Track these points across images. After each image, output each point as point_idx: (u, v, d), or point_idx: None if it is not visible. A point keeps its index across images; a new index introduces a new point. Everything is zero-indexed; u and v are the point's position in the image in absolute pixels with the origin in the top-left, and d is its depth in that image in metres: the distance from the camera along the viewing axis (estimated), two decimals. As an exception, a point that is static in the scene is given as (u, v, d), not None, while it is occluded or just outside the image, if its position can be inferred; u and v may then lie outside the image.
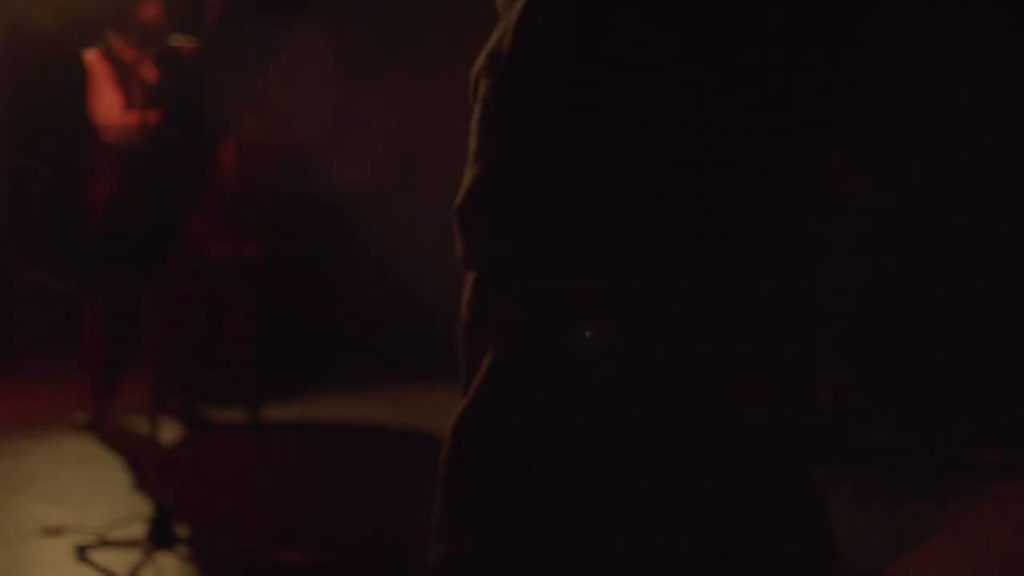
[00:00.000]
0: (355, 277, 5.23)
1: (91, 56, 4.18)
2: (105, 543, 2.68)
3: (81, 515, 3.00)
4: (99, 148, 4.23)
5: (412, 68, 5.35)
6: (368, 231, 5.50)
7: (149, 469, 3.19)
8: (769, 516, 1.23)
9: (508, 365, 1.07)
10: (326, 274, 4.43)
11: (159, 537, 2.55)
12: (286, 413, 4.32)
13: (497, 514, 1.13)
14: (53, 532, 2.83)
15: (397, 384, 5.03)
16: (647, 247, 1.03)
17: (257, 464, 3.72)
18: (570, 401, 1.05)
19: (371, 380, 5.05)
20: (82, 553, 2.65)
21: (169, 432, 3.96)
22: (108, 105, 4.09)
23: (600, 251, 1.04)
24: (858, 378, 3.90)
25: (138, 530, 2.71)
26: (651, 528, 1.05)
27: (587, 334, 1.04)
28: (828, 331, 3.48)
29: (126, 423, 4.31)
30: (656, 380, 1.03)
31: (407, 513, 2.96)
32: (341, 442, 4.14)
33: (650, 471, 1.05)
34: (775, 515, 1.23)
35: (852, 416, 3.61)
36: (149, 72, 4.24)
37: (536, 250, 1.07)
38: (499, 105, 1.11)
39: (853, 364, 3.96)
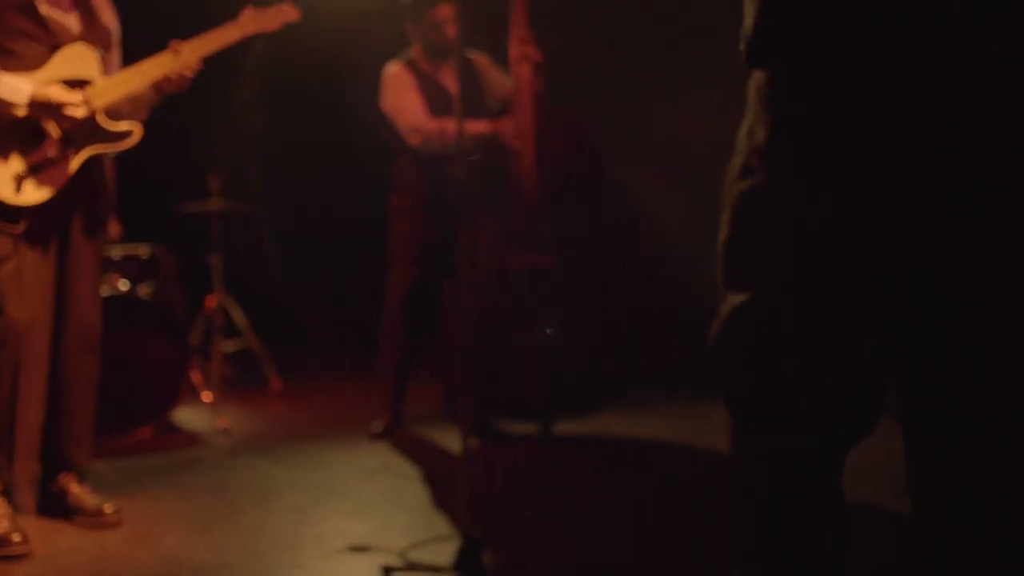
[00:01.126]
0: (651, 291, 5.02)
1: (394, 68, 4.20)
2: (412, 566, 2.57)
3: (383, 531, 2.94)
4: (399, 158, 4.25)
5: (706, 72, 5.06)
6: (663, 243, 5.29)
7: (448, 485, 3.08)
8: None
9: None
10: (623, 288, 4.21)
11: (468, 566, 2.41)
12: (577, 427, 4.16)
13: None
14: (359, 549, 2.76)
15: (690, 399, 4.77)
16: None
17: (553, 481, 3.64)
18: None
19: (664, 395, 4.81)
20: (389, 574, 2.56)
21: (462, 442, 3.92)
22: (415, 112, 4.11)
23: None
24: None
25: (443, 553, 2.61)
26: None
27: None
28: None
29: (421, 432, 4.30)
30: None
31: (704, 535, 2.74)
32: (631, 459, 3.98)
33: None
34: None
35: None
36: (450, 82, 4.23)
37: None
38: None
39: None
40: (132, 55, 3.18)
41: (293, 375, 5.56)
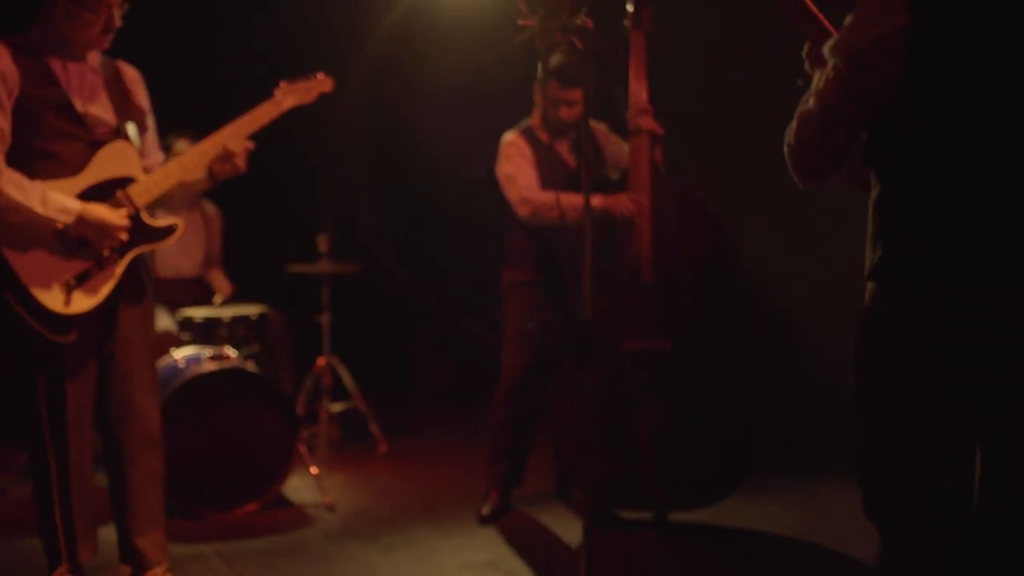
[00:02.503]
0: (772, 373, 4.77)
1: (511, 136, 4.05)
2: None
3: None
4: (512, 231, 4.09)
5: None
6: (785, 319, 5.05)
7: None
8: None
9: None
10: (742, 371, 3.96)
11: None
12: (692, 515, 3.93)
13: None
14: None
15: (810, 487, 4.50)
16: None
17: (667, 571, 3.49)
18: None
19: (783, 481, 4.53)
20: None
21: (574, 529, 3.75)
22: (526, 183, 3.97)
23: None
24: None
25: None
26: None
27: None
28: None
29: (530, 514, 4.13)
30: None
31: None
32: (747, 552, 3.76)
33: None
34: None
35: None
36: (567, 153, 4.07)
37: None
38: None
39: None
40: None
41: (401, 435, 5.46)
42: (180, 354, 4.35)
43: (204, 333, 4.75)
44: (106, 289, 2.89)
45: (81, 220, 2.79)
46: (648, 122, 3.81)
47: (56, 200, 2.77)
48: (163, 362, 4.38)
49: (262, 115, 3.17)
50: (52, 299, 2.78)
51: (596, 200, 3.81)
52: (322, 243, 5.02)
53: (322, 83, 3.37)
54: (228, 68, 5.63)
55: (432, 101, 5.95)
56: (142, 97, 3.12)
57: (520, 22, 2.37)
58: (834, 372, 4.90)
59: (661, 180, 3.86)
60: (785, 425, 4.93)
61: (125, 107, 3.00)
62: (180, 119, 5.37)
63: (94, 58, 2.98)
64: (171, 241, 3.06)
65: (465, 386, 6.05)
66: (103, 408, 2.98)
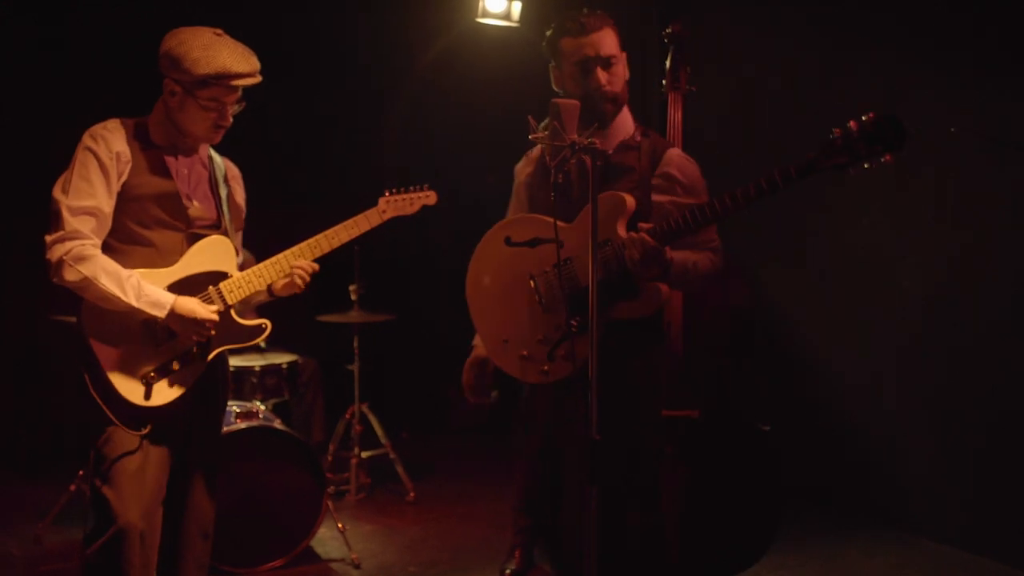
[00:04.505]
0: (805, 449, 4.72)
1: None
2: None
3: None
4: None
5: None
6: (819, 384, 5.00)
7: None
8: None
9: None
10: (769, 437, 3.91)
11: None
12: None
13: None
14: None
15: (830, 547, 4.46)
16: None
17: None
18: None
19: (801, 541, 4.49)
20: None
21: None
22: None
23: None
24: None
25: None
26: None
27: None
28: None
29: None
30: None
31: None
32: None
33: None
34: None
35: None
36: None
37: None
38: None
39: None
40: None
41: (430, 483, 5.48)
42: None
43: (235, 382, 4.82)
44: (186, 385, 2.85)
45: (173, 314, 2.75)
46: None
47: (151, 293, 2.74)
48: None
49: (363, 223, 3.13)
50: (132, 391, 2.75)
51: None
52: (353, 293, 5.06)
53: (427, 197, 3.30)
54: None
55: (466, 150, 5.98)
56: (241, 195, 3.12)
57: (531, 137, 2.37)
58: (857, 429, 4.92)
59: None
60: (809, 481, 4.88)
61: (226, 203, 3.00)
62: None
63: (203, 152, 2.99)
64: (257, 341, 3.02)
65: (498, 428, 6.06)
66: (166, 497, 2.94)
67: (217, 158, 3.05)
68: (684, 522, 3.72)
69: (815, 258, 4.99)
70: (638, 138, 3.00)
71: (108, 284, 2.67)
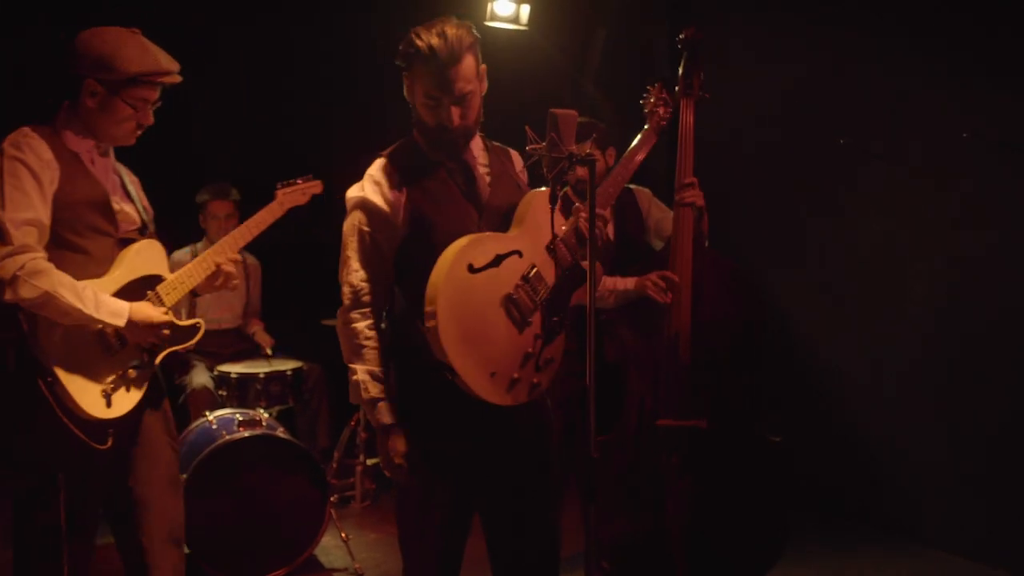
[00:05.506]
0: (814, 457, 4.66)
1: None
2: None
3: None
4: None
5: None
6: (830, 393, 4.94)
7: None
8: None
9: None
10: (778, 448, 3.84)
11: None
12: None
13: None
14: None
15: (847, 557, 4.39)
16: None
17: None
18: None
19: (807, 552, 4.43)
20: None
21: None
22: None
23: None
24: None
25: None
26: None
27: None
28: None
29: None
30: None
31: None
32: None
33: None
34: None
35: None
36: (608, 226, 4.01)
37: None
38: None
39: None
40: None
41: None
42: (213, 415, 4.36)
43: (239, 389, 4.79)
44: (141, 391, 2.82)
45: (131, 322, 2.70)
46: (692, 195, 3.67)
47: (108, 303, 2.67)
48: (197, 423, 4.41)
49: (267, 217, 3.28)
50: (94, 404, 2.68)
51: (629, 283, 3.73)
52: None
53: (314, 186, 3.56)
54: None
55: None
56: (145, 199, 3.04)
57: (528, 148, 2.31)
58: (869, 438, 4.86)
59: (704, 256, 3.74)
60: (819, 491, 4.82)
61: (141, 206, 2.94)
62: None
63: (112, 156, 2.92)
64: (194, 342, 3.00)
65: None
66: (124, 508, 2.88)
67: (118, 163, 2.96)
68: (690, 534, 3.67)
69: (825, 264, 4.92)
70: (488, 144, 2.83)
71: (68, 297, 2.59)
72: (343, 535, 4.34)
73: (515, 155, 2.83)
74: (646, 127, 3.58)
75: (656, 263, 3.78)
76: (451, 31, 2.54)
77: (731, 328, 3.75)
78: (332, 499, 4.28)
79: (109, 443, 2.72)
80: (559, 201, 2.39)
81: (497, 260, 2.57)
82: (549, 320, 2.60)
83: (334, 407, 5.30)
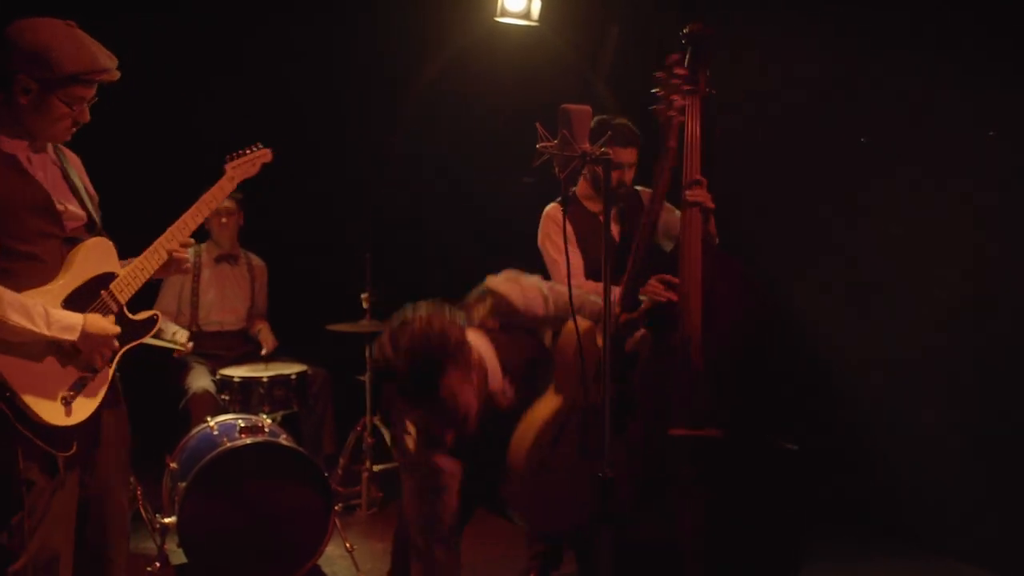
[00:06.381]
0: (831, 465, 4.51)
1: (555, 212, 3.86)
2: None
3: None
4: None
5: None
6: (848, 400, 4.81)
7: None
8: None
9: None
10: (794, 458, 3.71)
11: None
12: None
13: None
14: None
15: (867, 569, 4.27)
16: None
17: None
18: None
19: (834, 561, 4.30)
20: None
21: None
22: (572, 272, 3.36)
23: None
24: None
25: None
26: None
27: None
28: None
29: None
30: None
31: None
32: None
33: None
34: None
35: None
36: (613, 225, 3.86)
37: None
38: None
39: None
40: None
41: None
42: (214, 420, 4.25)
43: (242, 394, 4.68)
44: (101, 393, 2.77)
45: (84, 334, 2.65)
46: (699, 194, 3.53)
47: (60, 318, 2.60)
48: (198, 429, 4.30)
49: (219, 193, 3.12)
50: (53, 413, 2.62)
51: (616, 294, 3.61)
52: (365, 301, 4.92)
53: (263, 155, 3.30)
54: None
55: (482, 152, 5.81)
56: (86, 179, 2.90)
57: (539, 146, 2.18)
58: (888, 447, 4.72)
59: (712, 256, 3.61)
60: (838, 502, 4.69)
61: (86, 196, 2.82)
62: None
63: (49, 148, 2.79)
64: (151, 334, 2.92)
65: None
66: (81, 505, 2.82)
67: (58, 149, 2.83)
68: (704, 546, 3.54)
69: (842, 267, 4.78)
70: None
71: (17, 319, 2.51)
72: (347, 545, 4.23)
73: None
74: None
75: (665, 265, 3.66)
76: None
77: (744, 332, 3.62)
78: (336, 508, 4.17)
79: (74, 448, 2.68)
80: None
81: None
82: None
83: (339, 413, 5.19)
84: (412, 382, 2.84)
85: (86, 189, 2.84)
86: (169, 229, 2.94)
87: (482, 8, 5.24)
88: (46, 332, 2.56)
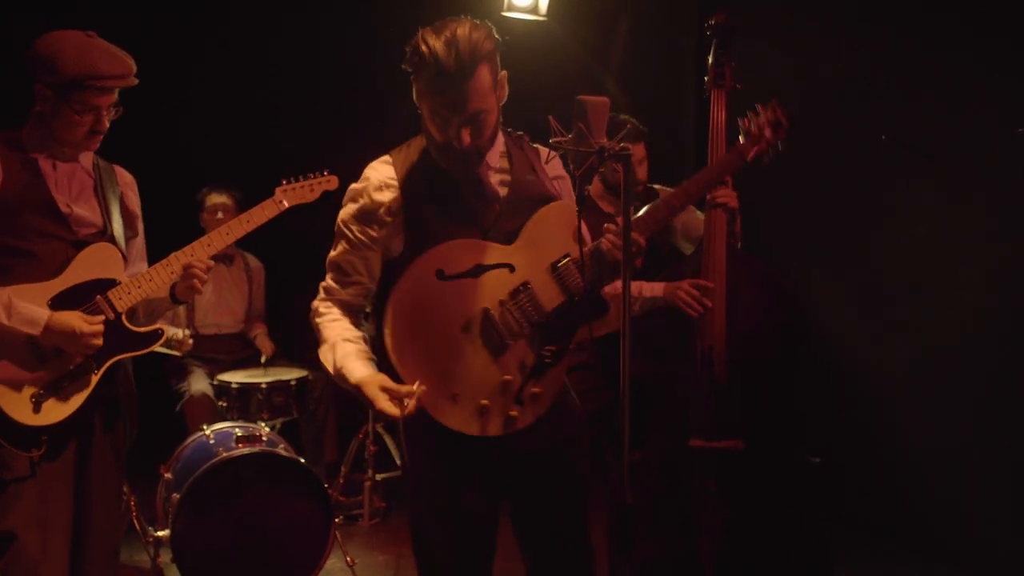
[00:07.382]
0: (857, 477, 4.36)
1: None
2: None
3: None
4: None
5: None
6: (874, 411, 4.64)
7: None
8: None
9: None
10: (818, 471, 3.55)
11: None
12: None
13: None
14: None
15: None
16: None
17: None
18: None
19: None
20: None
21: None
22: None
23: None
24: None
25: None
26: None
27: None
28: None
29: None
30: None
31: None
32: None
33: None
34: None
35: None
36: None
37: None
38: None
39: None
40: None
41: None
42: (211, 429, 4.09)
43: (240, 400, 4.53)
44: (79, 399, 2.71)
45: (49, 330, 2.61)
46: (725, 195, 3.35)
47: (23, 311, 2.60)
48: (193, 437, 4.14)
49: (259, 215, 3.07)
50: (18, 410, 2.60)
51: (657, 289, 3.43)
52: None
53: (327, 182, 3.26)
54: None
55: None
56: (134, 202, 2.98)
57: (552, 141, 2.02)
58: (916, 459, 4.55)
59: (738, 260, 3.43)
60: (864, 516, 4.52)
61: (118, 210, 2.86)
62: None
63: (87, 159, 2.85)
64: (153, 348, 2.86)
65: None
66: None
67: (104, 164, 2.91)
68: (725, 562, 3.38)
69: (867, 271, 4.60)
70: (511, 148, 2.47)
71: None
72: (348, 559, 4.07)
73: (544, 154, 2.50)
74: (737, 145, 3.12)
75: (687, 268, 3.48)
76: (463, 37, 2.19)
77: (768, 340, 3.45)
78: (337, 520, 4.00)
79: (43, 449, 2.64)
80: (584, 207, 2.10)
81: (477, 270, 2.30)
82: (541, 350, 2.31)
83: (341, 420, 5.03)
84: None
85: (122, 203, 2.88)
86: (191, 244, 2.91)
87: (489, 3, 5.09)
88: (5, 322, 2.57)
